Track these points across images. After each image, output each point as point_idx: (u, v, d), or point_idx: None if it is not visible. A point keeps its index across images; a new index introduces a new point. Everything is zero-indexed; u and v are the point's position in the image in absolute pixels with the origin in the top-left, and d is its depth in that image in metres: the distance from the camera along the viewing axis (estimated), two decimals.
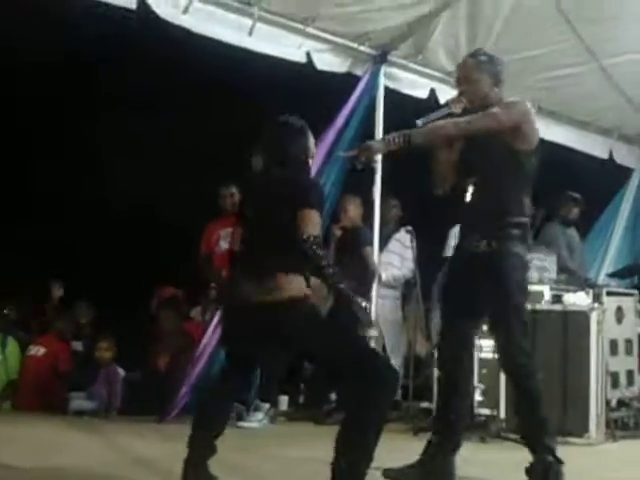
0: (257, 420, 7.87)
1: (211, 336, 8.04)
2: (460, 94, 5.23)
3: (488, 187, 5.06)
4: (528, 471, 4.85)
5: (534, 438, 4.90)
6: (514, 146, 5.04)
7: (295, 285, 4.62)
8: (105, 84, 11.12)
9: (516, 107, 5.12)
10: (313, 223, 4.62)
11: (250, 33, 7.67)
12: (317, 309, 4.67)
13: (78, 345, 9.60)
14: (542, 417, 4.92)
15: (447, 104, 5.18)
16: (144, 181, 10.97)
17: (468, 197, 5.14)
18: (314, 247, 4.56)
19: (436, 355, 5.64)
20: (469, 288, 5.10)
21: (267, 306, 4.60)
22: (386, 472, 5.08)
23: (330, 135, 8.17)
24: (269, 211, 4.76)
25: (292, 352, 4.82)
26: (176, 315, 9.12)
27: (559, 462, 4.89)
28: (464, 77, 5.26)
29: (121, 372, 8.80)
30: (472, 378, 5.80)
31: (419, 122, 5.04)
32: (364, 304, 4.69)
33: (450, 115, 5.12)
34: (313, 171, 7.87)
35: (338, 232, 8.40)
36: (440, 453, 5.22)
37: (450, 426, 5.26)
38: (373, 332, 4.87)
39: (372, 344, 8.10)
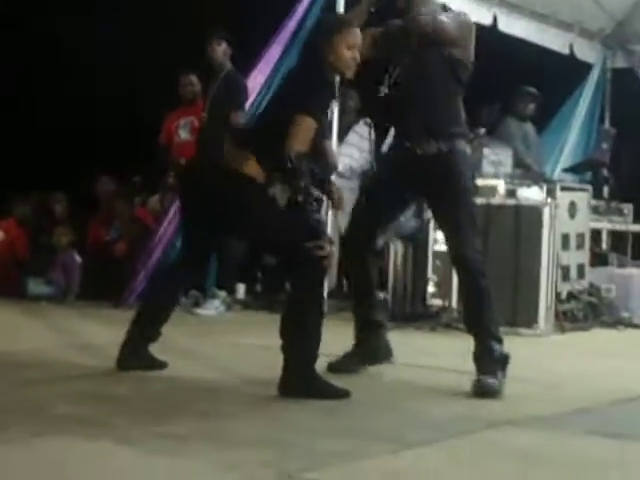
0: (213, 307, 7.94)
1: (169, 224, 8.08)
2: None
3: (430, 92, 5.04)
4: (475, 357, 4.93)
5: (480, 327, 4.97)
6: (454, 55, 5.04)
7: (255, 167, 4.64)
8: None
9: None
10: (304, 134, 4.69)
11: None
12: (267, 194, 4.62)
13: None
14: (490, 310, 4.98)
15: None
16: (105, 67, 10.85)
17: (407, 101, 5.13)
18: (297, 166, 4.58)
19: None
20: (409, 188, 5.24)
21: (224, 173, 4.67)
22: (331, 366, 5.16)
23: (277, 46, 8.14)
24: (276, 101, 4.86)
25: (237, 228, 4.81)
26: (127, 203, 9.14)
27: (504, 350, 4.98)
28: None
29: (78, 258, 8.83)
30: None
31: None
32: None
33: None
34: (259, 83, 7.98)
35: None
36: (371, 333, 5.34)
37: (371, 307, 5.40)
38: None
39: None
